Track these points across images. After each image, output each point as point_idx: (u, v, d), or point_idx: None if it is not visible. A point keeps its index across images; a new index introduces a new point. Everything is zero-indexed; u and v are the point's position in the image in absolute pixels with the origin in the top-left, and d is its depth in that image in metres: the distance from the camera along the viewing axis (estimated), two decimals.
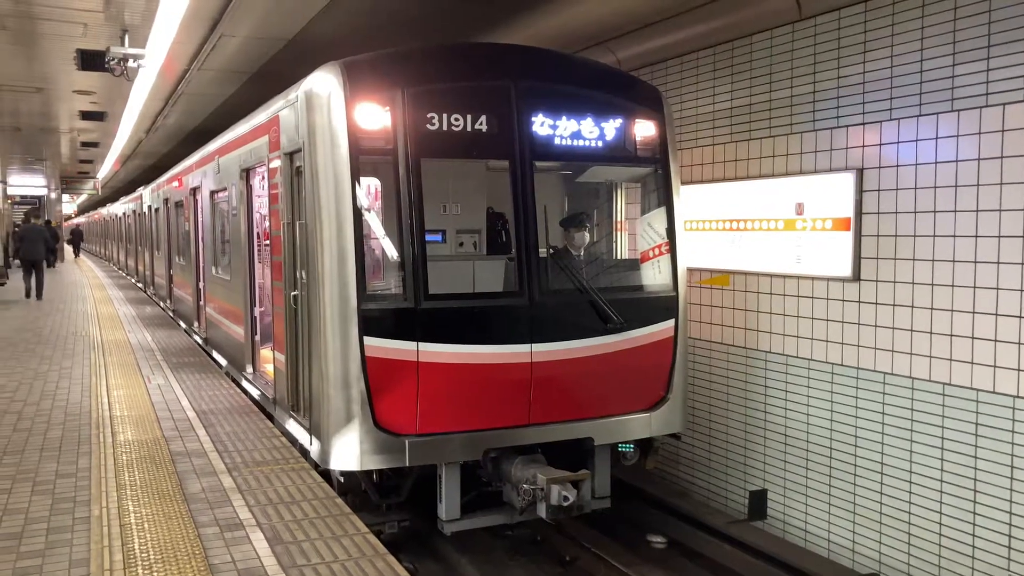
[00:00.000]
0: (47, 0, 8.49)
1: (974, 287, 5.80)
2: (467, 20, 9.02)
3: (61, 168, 31.13)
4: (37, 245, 19.75)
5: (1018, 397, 5.56)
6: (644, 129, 6.88)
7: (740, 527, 7.45)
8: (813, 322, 7.12)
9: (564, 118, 6.48)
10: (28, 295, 19.34)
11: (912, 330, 6.26)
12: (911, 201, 6.22)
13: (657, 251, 7.06)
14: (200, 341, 12.55)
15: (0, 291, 19.71)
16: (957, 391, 5.95)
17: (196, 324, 13.15)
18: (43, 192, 37.84)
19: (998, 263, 5.64)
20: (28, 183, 35.97)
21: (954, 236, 5.91)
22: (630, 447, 7.00)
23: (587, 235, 7.39)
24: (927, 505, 6.22)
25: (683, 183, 7.58)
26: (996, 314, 5.67)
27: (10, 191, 36.01)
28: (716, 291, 8.27)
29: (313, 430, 6.29)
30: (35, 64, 11.82)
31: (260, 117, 7.99)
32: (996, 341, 5.67)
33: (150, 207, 20.45)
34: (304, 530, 4.85)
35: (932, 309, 6.10)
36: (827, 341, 7.00)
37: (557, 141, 6.48)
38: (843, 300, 6.82)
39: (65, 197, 45.88)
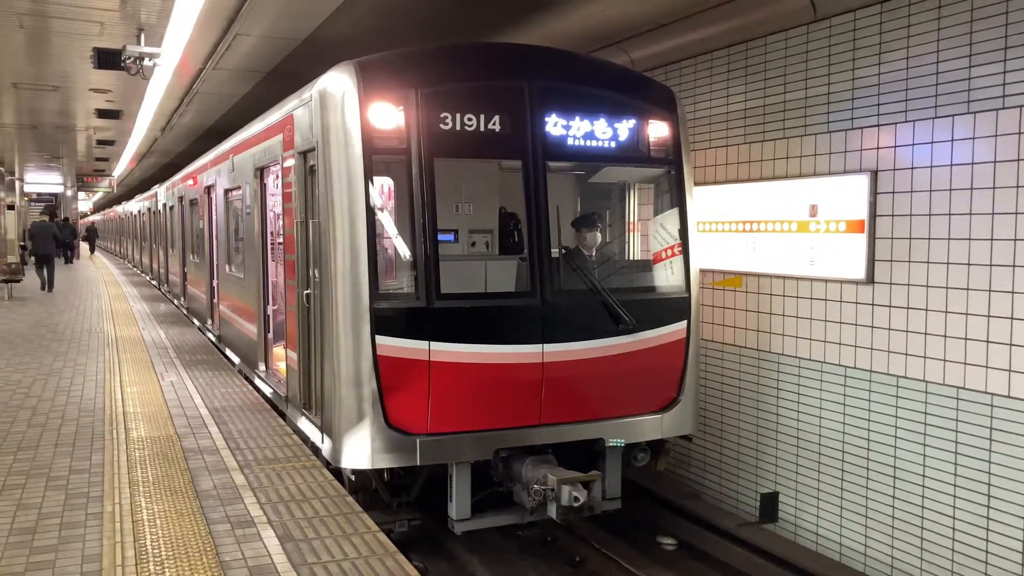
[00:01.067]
0: None
1: (989, 290, 5.76)
2: (481, 20, 9.02)
3: (77, 166, 31.34)
4: (47, 241, 21.42)
5: None
6: (657, 130, 6.87)
7: (751, 529, 7.42)
8: (826, 325, 7.09)
9: (577, 118, 6.47)
10: (43, 288, 20.59)
11: (926, 333, 6.22)
12: (926, 203, 6.19)
13: (670, 252, 7.04)
14: (213, 339, 12.61)
15: (16, 288, 19.83)
16: (971, 395, 5.91)
17: (210, 322, 13.21)
18: (59, 190, 38.10)
19: (1014, 266, 5.60)
20: (45, 181, 36.22)
21: (969, 239, 5.87)
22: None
23: (599, 235, 7.37)
24: (940, 510, 6.18)
25: (696, 184, 7.56)
26: (1012, 318, 5.63)
27: (27, 188, 36.29)
28: (729, 293, 8.24)
29: (325, 428, 6.31)
30: (52, 63, 11.90)
31: (274, 116, 8.02)
32: (1011, 345, 5.63)
33: (165, 205, 20.56)
34: (315, 528, 4.86)
35: (946, 312, 6.06)
36: (840, 344, 6.96)
37: (570, 141, 6.47)
38: (856, 303, 6.79)
39: (81, 195, 46.16)
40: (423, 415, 6.00)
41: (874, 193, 6.56)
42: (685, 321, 6.89)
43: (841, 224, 6.83)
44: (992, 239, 5.73)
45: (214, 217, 12.53)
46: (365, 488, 6.23)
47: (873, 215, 6.57)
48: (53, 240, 22.01)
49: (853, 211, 6.71)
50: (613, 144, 6.66)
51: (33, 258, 22.01)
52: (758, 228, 7.74)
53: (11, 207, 30.69)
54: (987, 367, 5.79)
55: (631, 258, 8.22)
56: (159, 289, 22.48)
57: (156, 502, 5.26)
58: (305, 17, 9.04)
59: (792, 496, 7.54)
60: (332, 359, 6.05)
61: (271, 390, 8.40)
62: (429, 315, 5.95)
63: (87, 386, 8.88)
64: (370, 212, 5.91)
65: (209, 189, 12.81)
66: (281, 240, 8.25)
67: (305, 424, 6.89)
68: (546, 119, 6.36)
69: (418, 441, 5.96)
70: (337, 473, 6.13)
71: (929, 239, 6.16)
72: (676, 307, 6.87)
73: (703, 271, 8.13)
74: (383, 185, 6.68)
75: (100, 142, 22.27)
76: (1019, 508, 5.65)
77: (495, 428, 6.19)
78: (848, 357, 6.90)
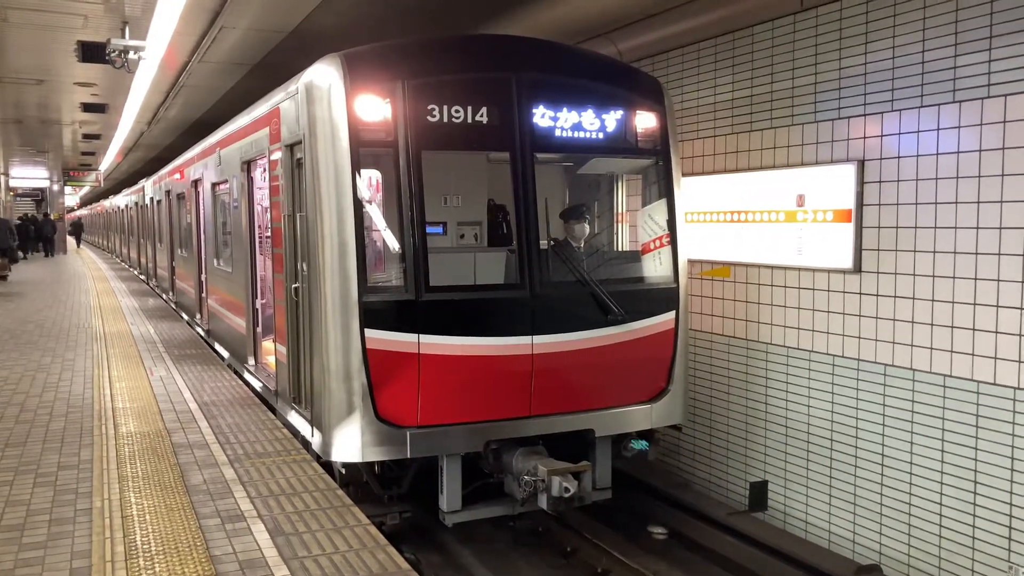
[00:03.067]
0: None
1: (975, 279, 5.80)
2: (468, 11, 8.99)
3: (63, 160, 31.13)
4: (3, 235, 24.58)
5: (1019, 389, 5.56)
6: (645, 120, 6.87)
7: (741, 518, 7.47)
8: (814, 314, 7.12)
9: (565, 109, 6.46)
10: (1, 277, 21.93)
11: (913, 322, 6.26)
12: (912, 192, 6.21)
13: (658, 243, 7.05)
14: (202, 333, 12.56)
15: (2, 284, 19.71)
16: (958, 383, 5.95)
17: (198, 316, 13.17)
18: (45, 184, 37.85)
19: (999, 255, 5.63)
20: (30, 175, 35.97)
21: (955, 227, 5.91)
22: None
23: (587, 227, 7.38)
24: (928, 496, 6.23)
25: (684, 175, 7.57)
26: (997, 306, 5.66)
27: (12, 183, 36.04)
28: (717, 283, 8.27)
29: (315, 422, 6.31)
30: (36, 56, 11.80)
31: (261, 109, 7.98)
32: (997, 333, 5.67)
33: (152, 199, 20.45)
34: (305, 521, 4.86)
35: (933, 301, 6.10)
36: (828, 333, 7.00)
37: (558, 133, 6.46)
38: (844, 292, 6.82)
39: (67, 189, 45.89)
40: (413, 408, 6.00)
41: (861, 182, 6.58)
42: (674, 311, 6.90)
43: (828, 213, 6.85)
44: (978, 227, 5.76)
45: (201, 211, 12.47)
46: (356, 481, 6.23)
47: (860, 204, 6.60)
48: (10, 234, 25.14)
49: (840, 200, 6.73)
50: (601, 135, 6.66)
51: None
52: (746, 218, 7.76)
53: None
54: (973, 355, 5.83)
55: (619, 249, 8.22)
56: (147, 284, 22.37)
57: (146, 497, 5.25)
58: (291, 9, 8.99)
59: (781, 484, 7.59)
60: (321, 353, 6.04)
61: (261, 384, 8.38)
62: (418, 308, 5.95)
63: (75, 382, 8.84)
64: (358, 205, 5.90)
65: (196, 183, 12.74)
66: (269, 234, 8.22)
67: (295, 418, 6.88)
68: (533, 111, 6.35)
69: (408, 434, 5.97)
70: (327, 466, 6.13)
71: (916, 228, 6.19)
72: (664, 297, 6.89)
73: (691, 261, 8.15)
74: (371, 178, 6.65)
75: (86, 136, 22.15)
76: (1005, 494, 5.69)
77: (485, 420, 6.20)
78: (836, 346, 6.93)
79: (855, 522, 6.85)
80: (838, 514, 7.01)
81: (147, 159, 28.86)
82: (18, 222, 35.84)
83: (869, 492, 6.71)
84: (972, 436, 5.88)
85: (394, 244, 5.96)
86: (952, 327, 5.97)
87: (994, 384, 5.71)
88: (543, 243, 6.46)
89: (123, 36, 9.76)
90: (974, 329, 5.82)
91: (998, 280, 5.65)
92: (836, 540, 7.02)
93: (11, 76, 13.47)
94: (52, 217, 37.06)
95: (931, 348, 6.13)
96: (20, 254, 32.54)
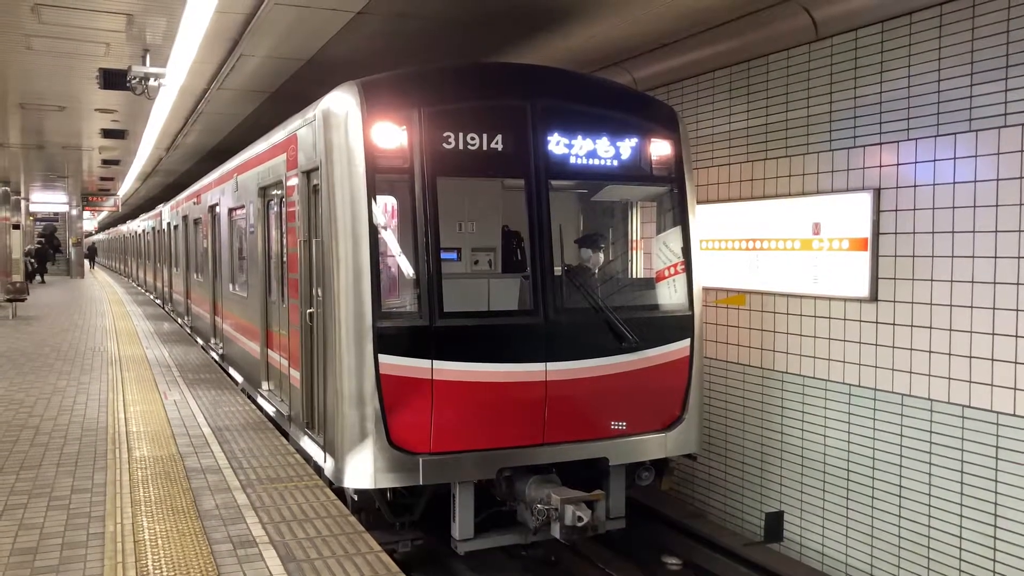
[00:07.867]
0: (71, 20, 8.61)
1: (993, 308, 5.75)
2: (485, 41, 9.07)
3: (82, 185, 31.46)
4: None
5: None
6: (659, 148, 6.88)
7: (756, 549, 7.38)
8: (830, 343, 7.07)
9: (580, 137, 6.49)
10: None
11: (931, 351, 6.20)
12: (929, 221, 6.18)
13: (672, 270, 7.04)
14: (216, 357, 12.60)
15: (21, 307, 19.85)
16: (977, 413, 5.88)
17: (213, 340, 13.22)
18: (64, 209, 38.28)
19: (1017, 284, 5.59)
20: (50, 200, 36.39)
21: (973, 257, 5.87)
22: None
23: (602, 256, 7.39)
24: (946, 529, 6.14)
25: (699, 202, 7.57)
26: (1016, 336, 5.61)
27: (32, 208, 36.47)
28: (732, 311, 8.23)
29: (327, 447, 6.29)
30: (58, 83, 11.96)
31: (278, 136, 8.06)
32: (1016, 363, 5.61)
33: (169, 224, 20.62)
34: (317, 548, 4.84)
35: (951, 330, 6.05)
36: (844, 362, 6.94)
37: (573, 160, 6.49)
38: (860, 320, 6.77)
39: (86, 214, 46.39)
40: (426, 434, 5.98)
41: (877, 211, 6.56)
42: (688, 339, 6.87)
43: (844, 242, 6.83)
44: (996, 257, 5.72)
45: (218, 236, 12.56)
46: (368, 508, 6.20)
47: (876, 233, 6.57)
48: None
49: (856, 229, 6.71)
50: (615, 162, 6.67)
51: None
52: (761, 246, 7.74)
53: (16, 227, 30.80)
54: (992, 385, 5.77)
55: (634, 276, 8.21)
56: (163, 308, 22.50)
57: (158, 522, 5.24)
58: (309, 38, 9.09)
59: (797, 515, 7.50)
60: (335, 378, 6.04)
61: (274, 409, 8.38)
62: (432, 334, 5.95)
63: (90, 405, 8.87)
64: (373, 231, 5.93)
65: (213, 208, 12.85)
66: (285, 259, 8.26)
67: (308, 443, 6.87)
68: (548, 138, 6.38)
69: (421, 460, 5.94)
70: (340, 492, 6.10)
71: (932, 257, 6.16)
72: (679, 325, 6.86)
73: (706, 289, 8.12)
74: (386, 204, 6.69)
75: (105, 162, 22.36)
76: None
77: (498, 447, 6.17)
78: (852, 375, 6.88)
79: (872, 554, 6.75)
80: (855, 546, 6.91)
81: (165, 185, 29.14)
82: (38, 245, 36.28)
83: (887, 524, 6.62)
84: (992, 468, 5.80)
85: (409, 270, 5.97)
86: (970, 357, 5.91)
87: (1014, 415, 5.64)
88: (557, 270, 6.47)
89: (144, 63, 9.87)
90: (993, 359, 5.76)
91: (1017, 310, 5.60)
92: (853, 572, 6.91)
93: (33, 102, 13.65)
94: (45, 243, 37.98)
95: (949, 378, 6.07)
96: (39, 277, 32.90)
